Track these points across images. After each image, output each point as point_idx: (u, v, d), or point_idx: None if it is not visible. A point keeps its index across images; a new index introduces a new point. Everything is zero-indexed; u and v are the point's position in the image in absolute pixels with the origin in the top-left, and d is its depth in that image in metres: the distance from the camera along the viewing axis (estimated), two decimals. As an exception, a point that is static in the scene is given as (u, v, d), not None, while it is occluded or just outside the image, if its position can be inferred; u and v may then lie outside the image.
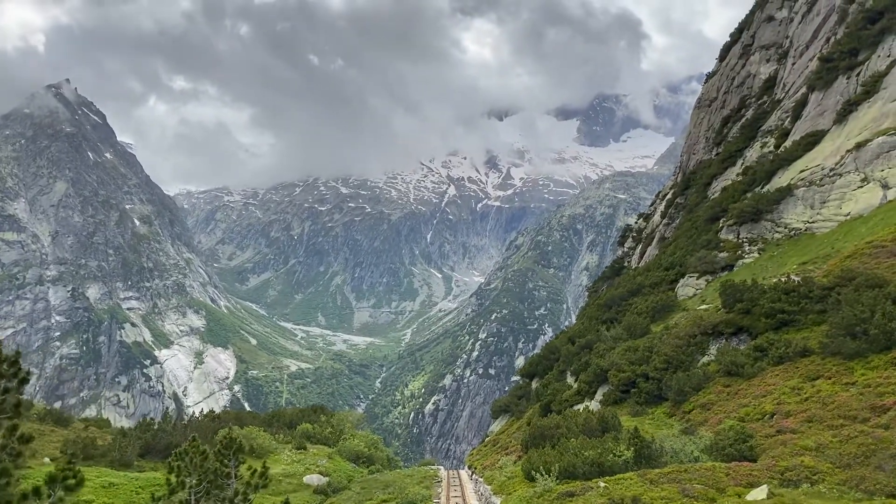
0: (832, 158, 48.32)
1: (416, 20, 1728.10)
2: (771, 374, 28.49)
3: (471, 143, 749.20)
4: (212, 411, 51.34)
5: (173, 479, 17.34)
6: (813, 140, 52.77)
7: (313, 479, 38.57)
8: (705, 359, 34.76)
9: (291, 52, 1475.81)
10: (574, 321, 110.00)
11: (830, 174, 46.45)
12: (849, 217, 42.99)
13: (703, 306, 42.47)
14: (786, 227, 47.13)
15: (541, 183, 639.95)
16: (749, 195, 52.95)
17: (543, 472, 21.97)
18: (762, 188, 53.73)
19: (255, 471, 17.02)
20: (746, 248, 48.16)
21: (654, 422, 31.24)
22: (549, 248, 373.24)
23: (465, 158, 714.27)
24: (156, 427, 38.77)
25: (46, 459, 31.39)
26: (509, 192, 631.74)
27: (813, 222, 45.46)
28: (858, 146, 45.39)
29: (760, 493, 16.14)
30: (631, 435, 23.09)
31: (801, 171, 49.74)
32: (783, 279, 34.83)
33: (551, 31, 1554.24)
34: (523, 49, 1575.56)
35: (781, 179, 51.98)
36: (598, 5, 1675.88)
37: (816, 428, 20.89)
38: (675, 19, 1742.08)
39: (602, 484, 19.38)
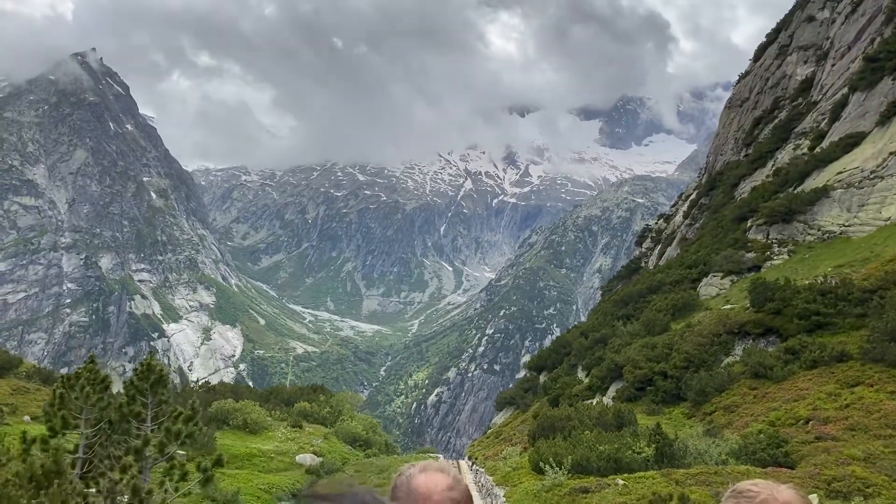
0: (873, 161, 45.84)
1: (442, 10, 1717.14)
2: (803, 379, 26.36)
3: (490, 138, 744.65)
4: (207, 382, 49.86)
5: (56, 417, 12.51)
6: (852, 142, 50.25)
7: (306, 458, 36.86)
8: (729, 359, 32.62)
9: (315, 35, 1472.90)
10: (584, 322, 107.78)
11: (871, 176, 44.01)
12: (889, 222, 40.59)
13: (728, 306, 40.25)
14: (819, 230, 44.75)
15: (559, 182, 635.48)
16: (781, 196, 50.57)
17: (554, 465, 20.03)
18: (794, 189, 51.32)
19: (180, 413, 12.24)
20: (776, 249, 45.85)
21: (672, 422, 29.16)
22: (563, 248, 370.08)
23: (483, 153, 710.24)
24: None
25: (26, 418, 29.83)
26: (526, 189, 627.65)
27: (849, 226, 43.07)
28: (903, 148, 42.94)
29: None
30: (652, 431, 21.07)
31: (839, 174, 47.30)
32: (819, 280, 32.59)
33: (577, 28, 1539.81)
34: (548, 45, 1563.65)
35: (816, 181, 49.56)
36: (626, 4, 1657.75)
37: (861, 437, 18.79)
38: (703, 25, 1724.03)
39: (620, 481, 17.39)
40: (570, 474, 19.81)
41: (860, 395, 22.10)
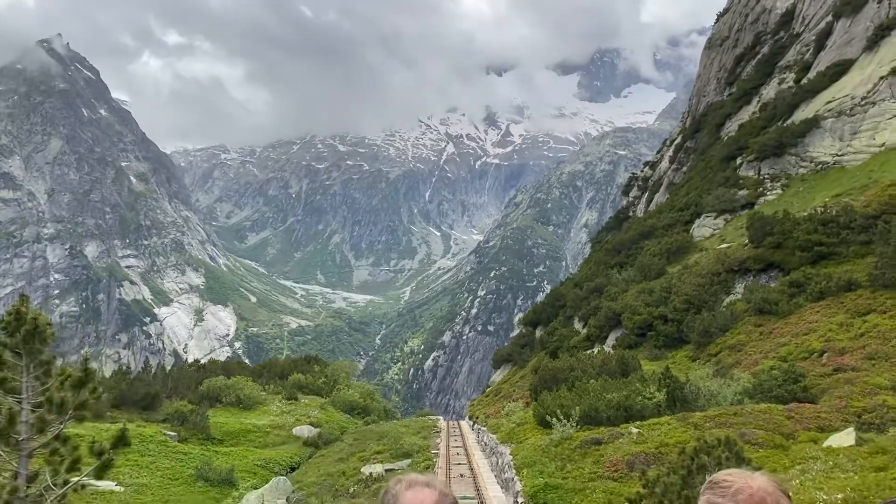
0: (863, 87, 44.56)
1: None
2: (810, 311, 25.42)
3: (469, 100, 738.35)
4: (196, 360, 48.68)
5: None
6: (840, 69, 48.90)
7: (303, 430, 35.92)
8: (731, 298, 31.68)
9: (282, 5, 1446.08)
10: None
11: (862, 103, 42.77)
12: (884, 148, 39.48)
13: (724, 245, 39.27)
14: (812, 161, 43.64)
15: (540, 140, 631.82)
16: (770, 130, 49.33)
17: (561, 417, 19.00)
18: (783, 123, 50.07)
19: (68, 377, 8.77)
20: (768, 184, 44.75)
21: (676, 366, 28.23)
22: (549, 205, 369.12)
23: (463, 115, 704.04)
24: (132, 376, 35.96)
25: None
26: (508, 149, 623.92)
27: (843, 155, 41.97)
28: (894, 71, 41.62)
29: (846, 437, 13.07)
30: (661, 375, 20.05)
31: (828, 103, 46.03)
32: (819, 210, 31.52)
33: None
34: (520, 1, 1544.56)
35: (805, 112, 48.30)
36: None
37: (883, 365, 17.85)
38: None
39: (634, 430, 16.37)
40: (578, 426, 18.80)
41: (874, 323, 21.16)
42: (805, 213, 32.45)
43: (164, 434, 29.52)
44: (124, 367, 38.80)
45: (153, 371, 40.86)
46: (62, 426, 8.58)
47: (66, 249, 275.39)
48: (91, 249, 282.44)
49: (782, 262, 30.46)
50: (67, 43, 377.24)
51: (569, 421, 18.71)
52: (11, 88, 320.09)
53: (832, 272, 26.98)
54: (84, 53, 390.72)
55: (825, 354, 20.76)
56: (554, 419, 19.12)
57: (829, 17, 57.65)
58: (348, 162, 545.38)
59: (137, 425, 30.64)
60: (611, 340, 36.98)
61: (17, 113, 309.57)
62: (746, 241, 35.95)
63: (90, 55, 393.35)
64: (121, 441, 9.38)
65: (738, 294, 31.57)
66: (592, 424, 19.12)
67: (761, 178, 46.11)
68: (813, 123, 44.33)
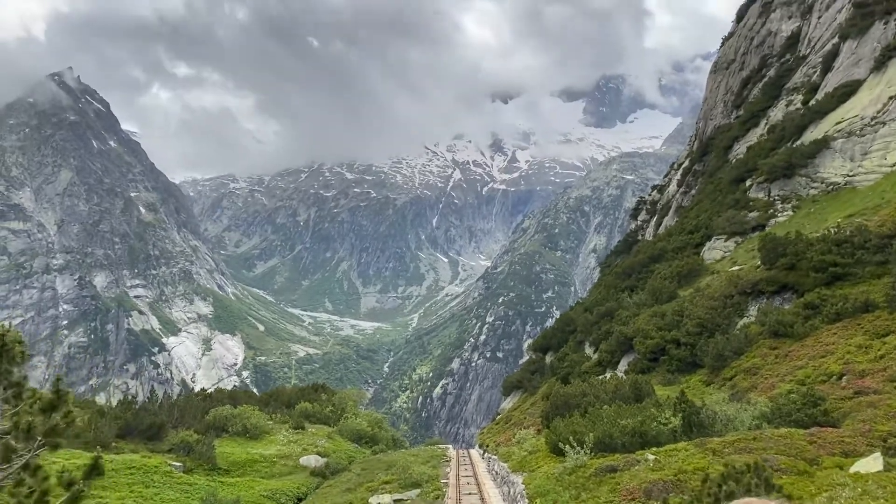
0: (872, 108, 44.30)
1: (415, 2, 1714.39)
2: (827, 333, 24.85)
3: (475, 127, 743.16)
4: (203, 390, 48.14)
5: None
6: (848, 90, 48.71)
7: (310, 460, 35.30)
8: (744, 320, 31.11)
9: (290, 36, 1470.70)
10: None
11: (872, 123, 42.48)
12: (895, 168, 39.10)
13: (735, 268, 38.77)
14: (823, 182, 43.24)
15: (547, 165, 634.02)
16: (779, 151, 49.05)
17: (574, 444, 18.47)
18: (792, 144, 49.79)
19: (38, 398, 7.02)
20: (779, 206, 44.33)
21: (690, 390, 27.62)
22: (556, 230, 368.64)
23: (469, 142, 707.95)
24: (137, 406, 35.54)
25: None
26: (515, 175, 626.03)
27: (854, 175, 41.56)
28: (903, 91, 41.38)
29: (873, 462, 12.53)
30: (677, 399, 19.51)
31: (838, 123, 45.75)
32: (832, 230, 31.06)
33: (551, 9, 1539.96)
34: (524, 29, 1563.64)
35: (814, 133, 48.03)
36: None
37: (906, 387, 17.25)
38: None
39: (650, 456, 15.82)
40: (592, 453, 18.25)
41: (894, 345, 20.61)
42: (818, 234, 31.99)
43: (170, 464, 29.03)
44: (130, 397, 38.43)
45: (159, 401, 40.43)
46: (31, 454, 7.67)
47: (75, 280, 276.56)
48: (100, 280, 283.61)
49: (796, 284, 29.94)
50: (78, 76, 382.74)
51: (582, 448, 18.17)
52: (23, 121, 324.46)
53: (848, 293, 26.45)
54: (94, 86, 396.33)
55: (844, 377, 20.20)
56: (567, 446, 18.57)
57: (836, 39, 57.65)
58: (356, 189, 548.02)
59: (142, 455, 30.17)
60: (623, 365, 36.38)
61: (28, 145, 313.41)
62: (758, 263, 35.47)
63: (100, 88, 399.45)
64: (94, 471, 8.58)
65: (751, 317, 31.02)
66: (607, 451, 18.56)
67: (771, 199, 45.71)
68: (823, 144, 44.03)
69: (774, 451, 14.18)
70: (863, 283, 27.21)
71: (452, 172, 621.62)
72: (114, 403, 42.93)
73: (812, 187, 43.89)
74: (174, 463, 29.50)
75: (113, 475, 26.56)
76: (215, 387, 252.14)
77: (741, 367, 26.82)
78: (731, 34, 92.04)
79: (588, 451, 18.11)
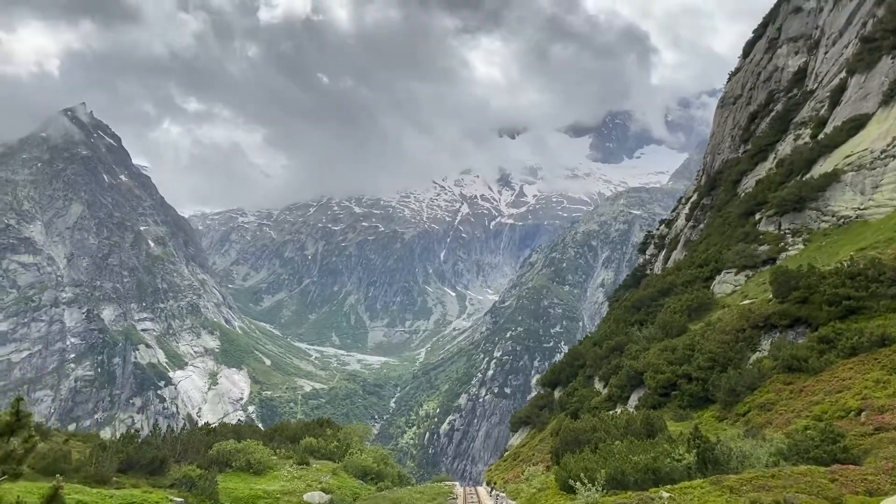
0: (881, 141, 44.13)
1: (423, 40, 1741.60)
2: (842, 368, 24.30)
3: (483, 162, 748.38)
4: (207, 423, 47.54)
5: None
6: (857, 124, 48.64)
7: (314, 496, 34.58)
8: (757, 355, 30.54)
9: (300, 72, 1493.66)
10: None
11: (882, 156, 42.26)
12: (907, 200, 38.75)
13: (746, 301, 38.26)
14: (833, 215, 42.89)
15: (554, 200, 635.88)
16: (789, 185, 48.83)
17: (585, 481, 17.91)
18: (802, 178, 49.58)
19: None
20: (790, 239, 43.94)
21: (703, 426, 26.94)
22: (564, 264, 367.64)
23: (477, 177, 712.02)
24: (140, 440, 35.03)
25: (5, 476, 27.80)
26: (522, 209, 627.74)
27: (865, 209, 41.22)
28: (913, 125, 41.22)
29: (900, 501, 11.99)
30: (691, 435, 18.97)
31: (847, 157, 45.57)
32: (846, 263, 30.62)
33: (557, 47, 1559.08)
34: (531, 66, 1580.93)
35: (824, 167, 47.84)
36: (603, 19, 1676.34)
37: (928, 423, 16.70)
38: (683, 35, 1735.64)
39: (665, 494, 15.28)
40: (604, 491, 17.68)
41: (914, 380, 20.09)
42: (831, 267, 31.55)
43: (171, 500, 28.43)
44: (132, 430, 37.91)
45: (162, 434, 39.88)
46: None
47: (83, 313, 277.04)
48: (108, 313, 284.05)
49: (809, 318, 29.43)
50: (91, 111, 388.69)
51: (594, 485, 17.61)
52: (35, 156, 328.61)
53: (863, 327, 25.94)
54: (106, 121, 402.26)
55: (863, 413, 19.64)
56: (578, 483, 18.01)
57: (843, 74, 57.81)
58: (364, 223, 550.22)
59: (143, 490, 29.58)
60: (633, 400, 35.71)
61: (40, 179, 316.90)
62: (770, 296, 34.99)
63: (112, 123, 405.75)
64: (52, 502, 8.05)
65: (764, 351, 30.47)
66: (619, 489, 17.98)
67: (782, 233, 45.36)
68: (833, 177, 43.80)
69: (795, 489, 13.66)
70: (878, 316, 26.70)
71: (460, 207, 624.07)
72: (118, 437, 42.34)
73: (823, 220, 43.54)
74: (175, 498, 28.90)
75: (112, 511, 25.99)
76: (220, 421, 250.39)
77: (755, 403, 26.22)
78: (737, 69, 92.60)
79: (600, 489, 17.55)
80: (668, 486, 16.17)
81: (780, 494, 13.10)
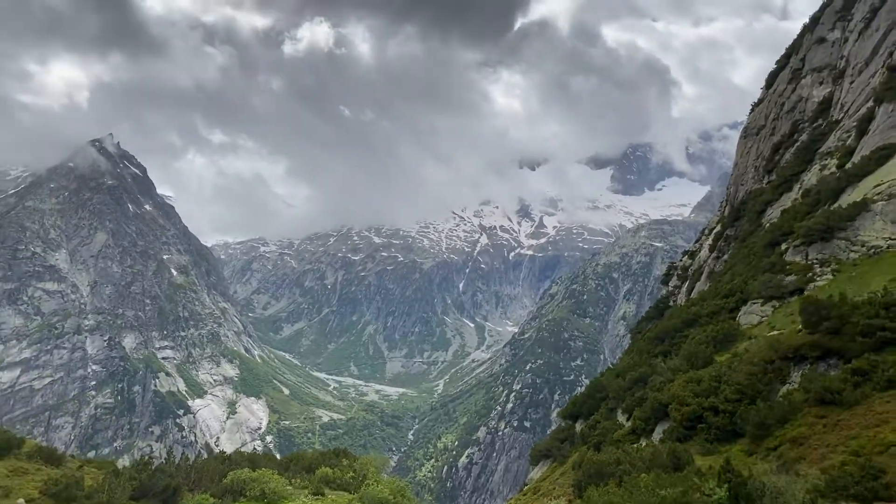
0: (912, 170, 43.20)
1: (444, 73, 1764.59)
2: (879, 401, 23.29)
3: (503, 193, 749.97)
4: (222, 452, 47.02)
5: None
6: (886, 153, 47.71)
7: (329, 528, 33.76)
8: (787, 387, 29.48)
9: (322, 105, 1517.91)
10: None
11: (913, 185, 41.29)
12: (940, 230, 37.69)
13: (774, 332, 37.20)
14: (863, 246, 41.77)
15: (574, 231, 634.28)
16: (816, 214, 47.87)
17: (610, 516, 17.17)
18: (829, 207, 48.58)
19: None
20: (818, 269, 42.80)
21: (732, 461, 25.90)
22: (585, 297, 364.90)
23: (496, 208, 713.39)
24: (153, 467, 34.56)
25: (21, 501, 27.36)
26: (542, 240, 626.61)
27: (896, 239, 40.15)
28: (944, 153, 40.30)
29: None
30: (722, 469, 18.13)
31: (877, 186, 44.56)
32: (880, 293, 29.65)
33: (578, 80, 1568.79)
34: (551, 99, 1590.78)
35: (853, 196, 46.82)
36: (623, 53, 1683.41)
37: (975, 459, 15.77)
38: (703, 69, 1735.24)
39: (696, 530, 14.52)
40: (630, 526, 16.95)
41: (956, 414, 19.14)
42: (863, 297, 30.56)
43: (183, 530, 27.82)
44: (146, 457, 37.49)
45: (176, 462, 39.38)
46: None
47: (105, 341, 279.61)
48: (129, 341, 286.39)
49: (841, 349, 28.40)
50: (118, 142, 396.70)
51: (620, 520, 16.88)
52: (63, 185, 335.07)
53: (900, 359, 24.95)
54: (133, 151, 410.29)
55: (905, 449, 18.71)
56: (602, 518, 17.29)
57: (870, 103, 57.03)
58: (383, 253, 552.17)
59: (155, 520, 29.01)
60: (658, 433, 34.65)
61: (66, 208, 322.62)
62: (798, 327, 33.95)
63: (138, 153, 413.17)
64: None
65: (794, 383, 29.40)
66: (646, 525, 17.23)
67: (809, 263, 44.26)
68: (862, 207, 42.79)
69: (837, 527, 12.88)
70: (915, 348, 25.70)
71: (479, 237, 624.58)
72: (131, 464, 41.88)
73: (852, 251, 42.44)
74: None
75: (123, 539, 25.45)
76: (237, 451, 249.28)
77: (786, 437, 25.18)
78: (760, 100, 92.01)
79: (626, 524, 16.80)
80: (699, 523, 15.40)
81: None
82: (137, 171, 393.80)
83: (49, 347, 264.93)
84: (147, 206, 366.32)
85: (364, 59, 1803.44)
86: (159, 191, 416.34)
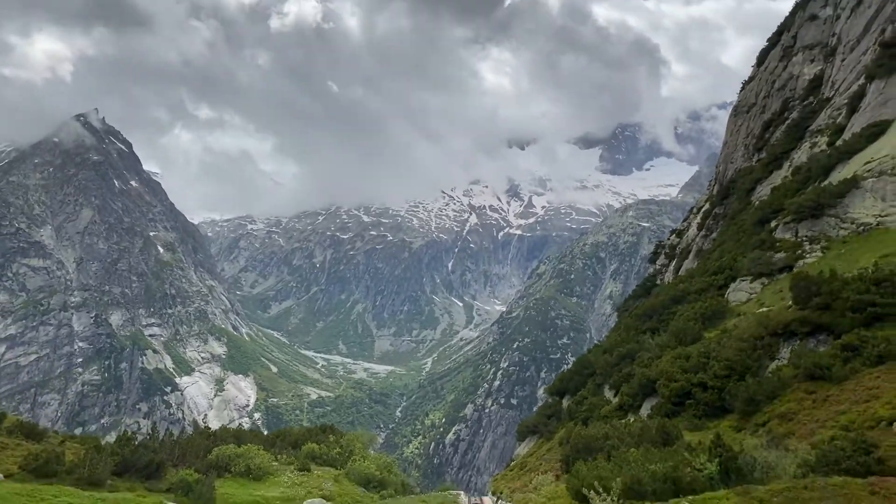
0: (903, 147, 42.94)
1: (433, 50, 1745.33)
2: (869, 377, 23.13)
3: (492, 172, 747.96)
4: (207, 427, 46.57)
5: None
6: (877, 130, 47.43)
7: (315, 503, 33.53)
8: (776, 363, 29.35)
9: (310, 81, 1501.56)
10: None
11: (904, 162, 41.06)
12: (931, 207, 37.55)
13: (763, 309, 37.08)
14: (853, 223, 41.66)
15: (563, 211, 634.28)
16: (806, 191, 47.67)
17: (600, 490, 16.83)
18: (819, 184, 48.38)
19: None
20: (807, 246, 42.69)
21: (721, 436, 25.79)
22: (572, 276, 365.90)
23: (486, 187, 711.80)
24: (136, 442, 34.09)
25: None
26: (531, 220, 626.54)
27: (886, 216, 39.99)
28: (936, 130, 40.06)
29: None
30: (713, 443, 17.86)
31: (867, 163, 44.35)
32: (870, 269, 29.46)
33: (568, 58, 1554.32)
34: (541, 77, 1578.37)
35: (843, 173, 46.63)
36: (613, 32, 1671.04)
37: (968, 433, 15.56)
38: (693, 48, 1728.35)
39: (687, 504, 14.21)
40: (620, 501, 16.60)
41: (948, 388, 18.96)
42: (853, 274, 30.37)
43: (165, 505, 27.46)
44: (130, 433, 37.01)
45: (160, 437, 38.94)
46: None
47: (91, 318, 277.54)
48: (116, 318, 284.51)
49: (831, 325, 28.25)
50: (103, 117, 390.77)
51: (609, 494, 16.54)
52: (47, 161, 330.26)
53: (890, 335, 24.75)
54: (118, 127, 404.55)
55: (895, 423, 18.49)
56: (591, 492, 16.93)
57: (861, 80, 56.66)
58: (372, 232, 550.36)
59: (138, 495, 28.62)
60: (645, 409, 34.56)
61: (51, 184, 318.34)
62: (788, 304, 33.83)
63: (124, 128, 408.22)
64: None
65: (783, 359, 29.27)
66: (635, 499, 16.87)
67: (799, 240, 44.14)
68: (852, 184, 42.60)
69: (832, 502, 12.57)
70: (906, 324, 25.53)
71: (469, 217, 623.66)
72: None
73: (842, 228, 42.32)
74: (170, 503, 27.93)
75: (104, 515, 25.03)
76: (223, 427, 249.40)
77: (775, 412, 25.04)
78: (751, 78, 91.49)
79: (615, 499, 16.47)
80: (690, 497, 15.05)
81: (818, 506, 12.03)
82: (123, 147, 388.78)
83: (35, 324, 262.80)
84: (133, 183, 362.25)
85: (353, 35, 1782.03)
86: (145, 167, 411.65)
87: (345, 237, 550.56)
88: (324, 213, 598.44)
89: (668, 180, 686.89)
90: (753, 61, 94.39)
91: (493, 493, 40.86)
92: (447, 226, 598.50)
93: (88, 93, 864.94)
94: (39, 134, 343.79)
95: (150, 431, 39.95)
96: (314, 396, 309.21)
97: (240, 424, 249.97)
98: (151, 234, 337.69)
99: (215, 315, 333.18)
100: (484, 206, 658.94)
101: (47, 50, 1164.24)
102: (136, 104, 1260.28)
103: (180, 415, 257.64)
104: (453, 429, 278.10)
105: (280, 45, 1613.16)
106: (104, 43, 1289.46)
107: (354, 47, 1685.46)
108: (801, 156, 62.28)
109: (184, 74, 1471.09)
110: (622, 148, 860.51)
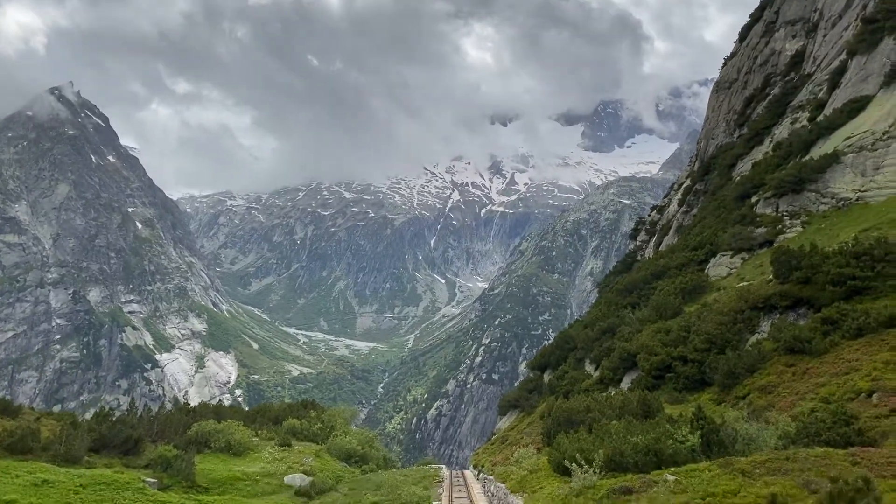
0: (883, 123, 43.10)
1: (415, 24, 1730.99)
2: (848, 349, 23.27)
3: (474, 149, 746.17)
4: (186, 403, 46.26)
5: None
6: (858, 106, 47.57)
7: (295, 479, 33.40)
8: (756, 336, 29.49)
9: (290, 54, 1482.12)
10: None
11: (884, 138, 41.22)
12: (910, 182, 37.76)
13: (743, 284, 37.24)
14: (833, 198, 41.88)
15: (545, 188, 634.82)
16: (787, 166, 47.79)
17: (581, 463, 16.77)
18: (800, 160, 48.53)
19: None
20: (787, 221, 42.90)
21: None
22: (554, 253, 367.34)
23: (468, 164, 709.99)
24: (114, 418, 33.67)
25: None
26: (513, 197, 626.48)
27: (866, 191, 40.22)
28: (916, 105, 40.17)
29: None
30: (694, 416, 17.83)
31: (847, 139, 44.52)
32: (850, 243, 29.57)
33: (550, 34, 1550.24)
34: (523, 53, 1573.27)
35: (823, 148, 46.79)
36: (595, 7, 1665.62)
37: (948, 404, 15.61)
38: (676, 24, 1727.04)
39: (670, 477, 14.11)
40: (602, 473, 16.55)
41: (927, 360, 19.06)
42: (834, 248, 30.48)
43: (143, 481, 27.13)
44: (107, 409, 36.54)
45: (138, 413, 38.53)
46: None
47: (69, 294, 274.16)
48: (94, 294, 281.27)
49: (811, 298, 28.38)
50: (78, 91, 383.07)
51: (591, 467, 16.48)
52: (21, 135, 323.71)
53: (869, 308, 24.88)
54: (94, 101, 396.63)
55: (875, 395, 18.57)
56: (573, 465, 16.86)
57: (843, 56, 56.71)
58: (353, 209, 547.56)
59: (116, 471, 28.27)
60: (626, 383, 34.70)
61: (25, 158, 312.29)
62: (768, 278, 34.00)
63: (100, 103, 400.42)
64: None
65: (763, 333, 29.42)
66: (617, 470, 16.84)
67: (779, 215, 44.33)
68: (833, 159, 42.75)
69: (815, 472, 12.51)
70: (884, 297, 25.65)
71: (451, 194, 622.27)
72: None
73: (822, 203, 42.52)
74: (148, 479, 27.60)
75: (81, 491, 24.67)
76: (202, 403, 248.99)
77: (755, 385, 25.16)
78: (733, 54, 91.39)
79: (597, 471, 16.41)
80: (673, 469, 15.00)
81: (800, 478, 11.97)
82: (99, 121, 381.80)
83: (11, 300, 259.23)
84: (110, 158, 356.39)
85: (333, 7, 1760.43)
86: (122, 142, 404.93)
87: (326, 214, 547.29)
88: (304, 189, 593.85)
89: (650, 157, 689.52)
90: (736, 37, 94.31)
91: (475, 467, 41.02)
92: (429, 202, 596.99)
93: (63, 66, 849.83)
94: (12, 107, 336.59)
95: (127, 408, 39.50)
96: (296, 373, 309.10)
97: (221, 401, 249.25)
98: (129, 209, 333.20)
99: (195, 292, 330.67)
100: (466, 182, 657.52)
101: (20, 21, 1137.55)
102: (112, 78, 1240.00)
103: (161, 392, 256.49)
104: (435, 404, 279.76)
105: (259, 18, 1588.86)
106: (78, 14, 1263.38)
107: (335, 20, 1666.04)
108: (782, 131, 62.43)
109: (160, 47, 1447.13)
110: (604, 125, 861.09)
